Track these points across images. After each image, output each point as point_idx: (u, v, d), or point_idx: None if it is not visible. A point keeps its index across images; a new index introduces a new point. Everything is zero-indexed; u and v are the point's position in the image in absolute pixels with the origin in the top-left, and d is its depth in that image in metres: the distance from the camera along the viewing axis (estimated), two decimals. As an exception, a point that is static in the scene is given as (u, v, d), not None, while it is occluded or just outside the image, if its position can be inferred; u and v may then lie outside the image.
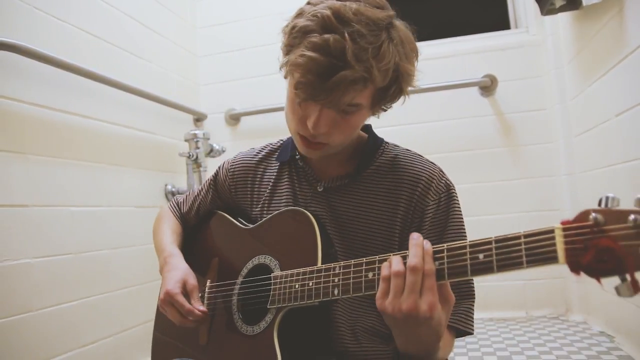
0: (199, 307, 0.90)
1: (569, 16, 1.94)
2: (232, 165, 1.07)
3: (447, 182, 0.91)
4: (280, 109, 0.89)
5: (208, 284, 1.00)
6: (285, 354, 0.80)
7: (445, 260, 0.67)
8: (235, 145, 2.47)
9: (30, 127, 1.48)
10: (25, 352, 1.39)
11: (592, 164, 1.88)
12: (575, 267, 0.56)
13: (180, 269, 0.96)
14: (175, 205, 1.19)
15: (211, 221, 1.11)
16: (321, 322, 0.87)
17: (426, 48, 2.35)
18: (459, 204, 0.92)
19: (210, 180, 1.12)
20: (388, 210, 0.90)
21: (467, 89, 2.26)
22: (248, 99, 2.52)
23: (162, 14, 2.29)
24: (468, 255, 0.65)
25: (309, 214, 0.87)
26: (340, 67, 0.75)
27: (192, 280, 0.94)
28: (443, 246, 0.68)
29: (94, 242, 1.70)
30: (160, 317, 1.14)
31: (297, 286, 0.80)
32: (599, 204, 0.56)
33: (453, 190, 0.91)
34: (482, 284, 2.14)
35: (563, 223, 0.59)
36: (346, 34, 0.74)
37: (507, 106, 2.23)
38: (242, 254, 0.97)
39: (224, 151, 2.32)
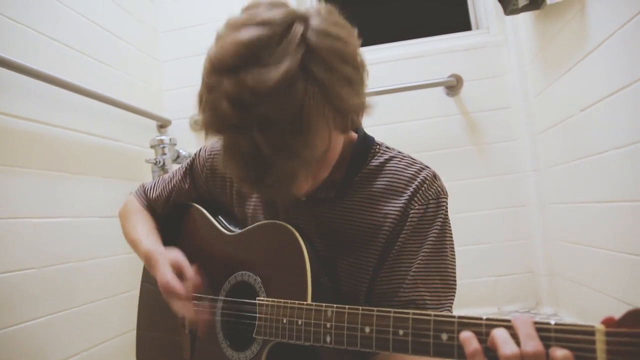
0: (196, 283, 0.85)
1: (530, 16, 1.99)
2: (212, 153, 0.98)
3: (439, 189, 0.85)
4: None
5: None
6: None
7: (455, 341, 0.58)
8: (201, 151, 2.41)
9: (-14, 135, 1.40)
10: (-13, 375, 1.31)
11: (557, 159, 1.93)
12: None
13: (163, 258, 0.89)
14: (143, 192, 1.10)
15: (189, 218, 1.03)
16: (310, 355, 0.82)
17: (390, 50, 2.37)
18: (447, 215, 0.85)
19: (187, 168, 1.03)
20: (378, 220, 0.83)
21: (433, 90, 2.28)
22: (214, 104, 2.46)
23: (123, 18, 2.22)
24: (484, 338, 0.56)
25: (298, 235, 0.80)
26: (261, 175, 0.65)
27: (177, 255, 0.89)
28: (453, 318, 0.60)
29: (59, 255, 1.61)
30: (142, 315, 1.09)
31: (284, 321, 0.74)
32: None
33: (443, 200, 0.85)
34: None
35: (606, 323, 0.48)
36: (255, 130, 0.61)
37: (472, 105, 2.27)
38: (224, 265, 0.91)
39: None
